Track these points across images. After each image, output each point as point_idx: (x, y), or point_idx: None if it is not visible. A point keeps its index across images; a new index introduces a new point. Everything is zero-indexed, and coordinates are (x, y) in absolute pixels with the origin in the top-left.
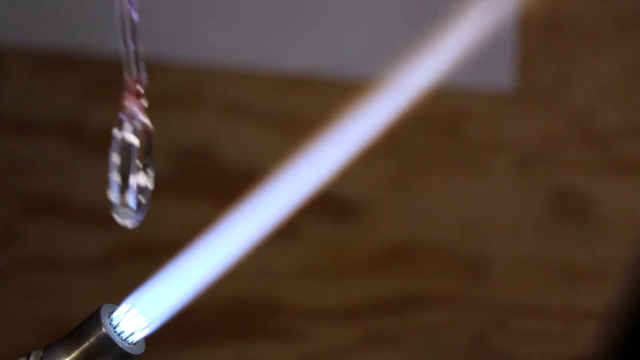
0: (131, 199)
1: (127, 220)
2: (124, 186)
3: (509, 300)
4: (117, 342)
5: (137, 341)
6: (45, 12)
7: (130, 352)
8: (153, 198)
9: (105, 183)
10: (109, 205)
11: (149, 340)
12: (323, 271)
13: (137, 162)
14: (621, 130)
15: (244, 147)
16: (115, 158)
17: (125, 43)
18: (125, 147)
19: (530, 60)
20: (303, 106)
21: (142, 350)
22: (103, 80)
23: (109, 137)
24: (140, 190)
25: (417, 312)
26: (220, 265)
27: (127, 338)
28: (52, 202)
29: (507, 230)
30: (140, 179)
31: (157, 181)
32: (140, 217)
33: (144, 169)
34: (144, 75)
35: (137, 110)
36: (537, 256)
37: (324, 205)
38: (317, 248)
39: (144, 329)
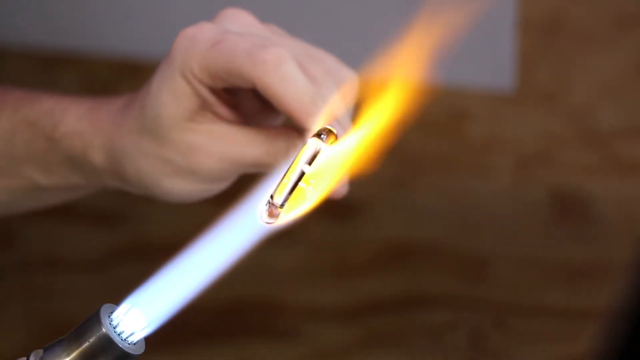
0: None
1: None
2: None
3: (509, 300)
4: (117, 342)
5: (137, 341)
6: (45, 12)
7: (130, 352)
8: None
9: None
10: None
11: (149, 340)
12: (323, 271)
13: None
14: (621, 130)
15: None
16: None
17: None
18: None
19: (530, 60)
20: None
21: (142, 350)
22: (102, 80)
23: None
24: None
25: (417, 312)
26: (220, 265)
27: (127, 338)
28: None
29: (507, 230)
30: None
31: None
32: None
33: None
34: None
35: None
36: (537, 256)
37: (324, 205)
38: (317, 248)
39: (144, 329)
